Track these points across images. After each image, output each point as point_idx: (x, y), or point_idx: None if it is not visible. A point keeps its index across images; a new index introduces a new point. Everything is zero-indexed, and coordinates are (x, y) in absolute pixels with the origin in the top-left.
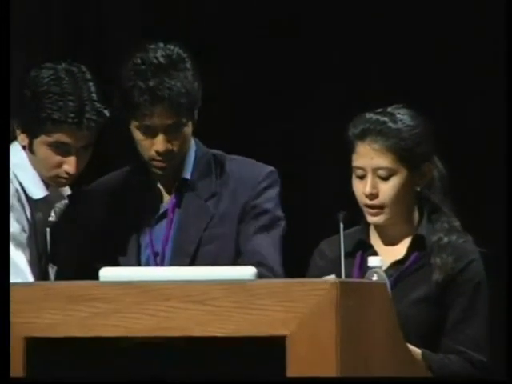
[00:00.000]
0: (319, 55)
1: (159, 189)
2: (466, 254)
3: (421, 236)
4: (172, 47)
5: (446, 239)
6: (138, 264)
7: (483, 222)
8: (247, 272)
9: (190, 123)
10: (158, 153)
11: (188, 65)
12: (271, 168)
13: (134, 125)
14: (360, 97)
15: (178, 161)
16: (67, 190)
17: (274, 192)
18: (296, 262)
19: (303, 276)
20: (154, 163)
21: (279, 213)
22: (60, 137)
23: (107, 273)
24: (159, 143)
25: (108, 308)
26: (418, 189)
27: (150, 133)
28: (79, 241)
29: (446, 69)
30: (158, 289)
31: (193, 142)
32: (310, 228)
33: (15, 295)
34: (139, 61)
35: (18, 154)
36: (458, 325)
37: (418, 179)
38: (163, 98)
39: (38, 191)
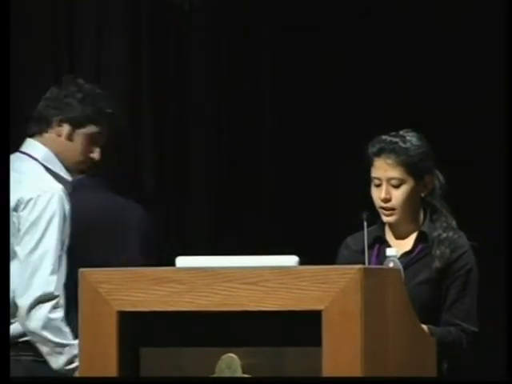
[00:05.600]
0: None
1: None
2: (459, 247)
3: (424, 232)
4: None
5: (444, 235)
6: None
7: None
8: (291, 260)
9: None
10: None
11: None
12: None
13: None
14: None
15: None
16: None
17: None
18: (328, 252)
19: (333, 263)
20: None
21: None
22: (100, 129)
23: (182, 261)
24: None
25: (183, 288)
26: (422, 195)
27: None
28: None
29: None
30: (221, 273)
31: None
32: (339, 226)
33: (109, 278)
34: None
35: (40, 149)
36: (455, 303)
37: (421, 187)
38: None
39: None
